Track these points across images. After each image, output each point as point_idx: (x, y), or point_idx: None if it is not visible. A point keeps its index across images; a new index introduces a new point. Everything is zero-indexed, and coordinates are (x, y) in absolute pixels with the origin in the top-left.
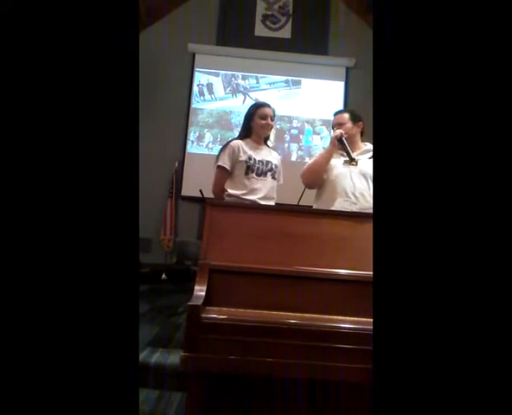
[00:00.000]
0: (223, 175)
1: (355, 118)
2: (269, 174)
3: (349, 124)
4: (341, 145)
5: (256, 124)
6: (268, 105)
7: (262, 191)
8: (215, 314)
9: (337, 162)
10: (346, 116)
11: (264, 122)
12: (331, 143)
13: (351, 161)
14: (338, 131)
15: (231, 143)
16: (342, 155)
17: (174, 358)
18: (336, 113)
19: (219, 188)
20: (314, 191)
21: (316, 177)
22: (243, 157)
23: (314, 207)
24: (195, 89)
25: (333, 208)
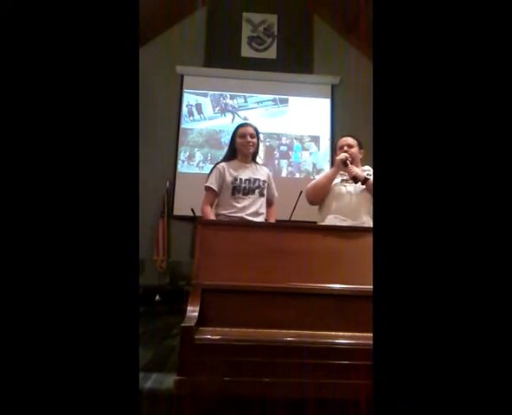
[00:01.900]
0: (211, 194)
1: (360, 145)
2: (257, 191)
3: (356, 148)
4: (344, 168)
5: (237, 144)
6: (246, 124)
7: (251, 208)
8: (209, 334)
9: (336, 181)
10: (355, 141)
11: (242, 140)
12: (336, 165)
13: (355, 182)
14: (343, 155)
15: (217, 166)
16: (341, 175)
17: (169, 382)
18: (344, 136)
19: (207, 208)
20: (305, 207)
21: (320, 195)
22: (229, 179)
23: (318, 221)
24: (185, 109)
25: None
